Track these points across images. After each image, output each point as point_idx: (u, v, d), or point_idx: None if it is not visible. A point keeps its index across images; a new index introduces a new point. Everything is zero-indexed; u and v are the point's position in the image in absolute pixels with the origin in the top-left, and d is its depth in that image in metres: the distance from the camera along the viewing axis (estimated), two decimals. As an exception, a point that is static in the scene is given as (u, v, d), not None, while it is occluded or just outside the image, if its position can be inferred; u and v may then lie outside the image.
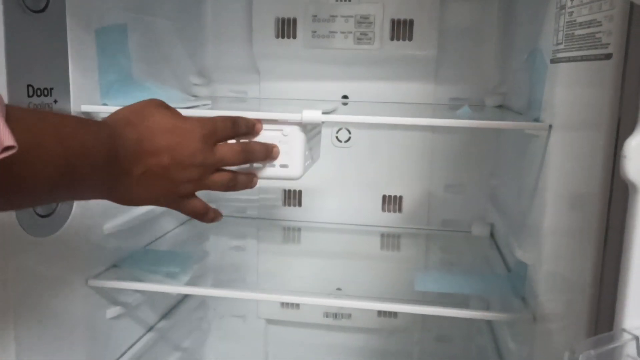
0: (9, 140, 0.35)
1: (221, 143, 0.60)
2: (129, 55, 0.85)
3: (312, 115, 0.68)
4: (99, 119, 0.61)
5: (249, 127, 0.66)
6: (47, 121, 0.44)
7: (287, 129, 0.68)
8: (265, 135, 0.68)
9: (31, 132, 0.41)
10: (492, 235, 1.08)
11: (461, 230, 1.12)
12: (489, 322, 1.02)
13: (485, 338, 1.00)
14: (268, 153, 0.66)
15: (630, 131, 0.39)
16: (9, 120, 0.38)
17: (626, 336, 0.39)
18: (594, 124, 0.52)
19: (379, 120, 0.76)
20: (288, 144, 0.68)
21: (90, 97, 0.76)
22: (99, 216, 0.79)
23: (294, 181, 0.73)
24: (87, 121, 0.50)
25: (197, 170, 0.57)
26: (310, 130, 0.72)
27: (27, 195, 0.44)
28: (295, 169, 0.69)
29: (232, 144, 0.61)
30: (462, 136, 1.09)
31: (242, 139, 0.64)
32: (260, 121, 0.67)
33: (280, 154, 0.68)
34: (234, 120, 0.63)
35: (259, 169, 0.68)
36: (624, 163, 0.38)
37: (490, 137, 1.07)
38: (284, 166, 0.68)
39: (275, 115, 0.70)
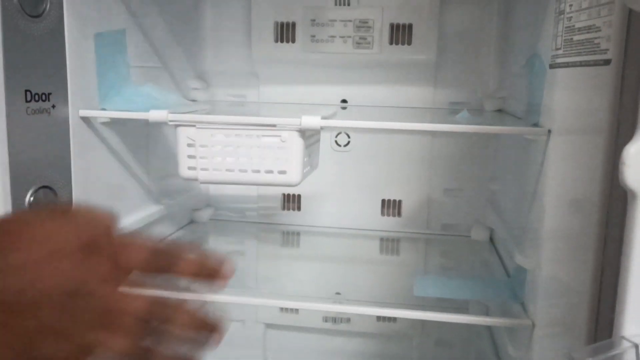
0: None
1: None
2: (127, 59, 0.85)
3: (311, 120, 0.68)
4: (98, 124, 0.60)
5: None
6: None
7: (285, 134, 0.68)
8: (264, 142, 0.68)
9: None
10: (491, 239, 1.08)
11: (460, 234, 1.12)
12: (488, 328, 1.02)
13: (484, 343, 1.00)
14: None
15: (629, 137, 0.39)
16: None
17: (625, 344, 0.38)
18: (592, 130, 0.52)
19: (377, 125, 0.76)
20: (286, 149, 0.68)
21: (88, 102, 0.76)
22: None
23: (293, 187, 0.73)
24: None
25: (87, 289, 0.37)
26: (310, 137, 0.72)
27: None
28: (293, 175, 0.69)
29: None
30: (462, 141, 1.09)
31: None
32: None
33: (279, 160, 0.68)
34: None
35: (255, 175, 0.68)
36: (623, 170, 0.38)
37: (489, 142, 1.07)
38: (282, 172, 0.67)
39: (274, 120, 0.69)
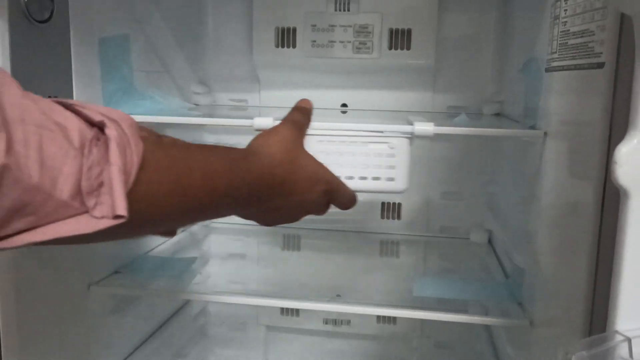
0: (121, 209, 0.35)
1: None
2: (131, 64, 0.86)
3: (424, 127, 0.67)
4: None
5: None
6: (193, 160, 0.45)
7: (394, 141, 0.67)
8: (371, 148, 0.67)
9: (179, 176, 0.42)
10: (490, 241, 1.09)
11: (460, 237, 1.13)
12: (487, 329, 1.03)
13: (483, 344, 1.01)
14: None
15: (622, 138, 0.40)
16: (150, 163, 0.38)
17: (619, 337, 0.39)
18: (587, 131, 0.53)
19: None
20: (395, 156, 0.67)
21: (93, 106, 0.77)
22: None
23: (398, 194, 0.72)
24: (234, 158, 0.50)
25: (314, 209, 0.61)
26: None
27: (163, 224, 0.45)
28: (400, 182, 0.68)
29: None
30: (460, 144, 1.10)
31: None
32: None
33: (387, 167, 0.67)
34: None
35: (362, 182, 0.67)
36: (614, 169, 0.39)
37: (488, 145, 1.09)
38: (389, 179, 0.66)
39: (384, 127, 0.68)
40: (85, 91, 0.74)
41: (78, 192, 0.34)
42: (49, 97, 0.66)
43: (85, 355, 0.79)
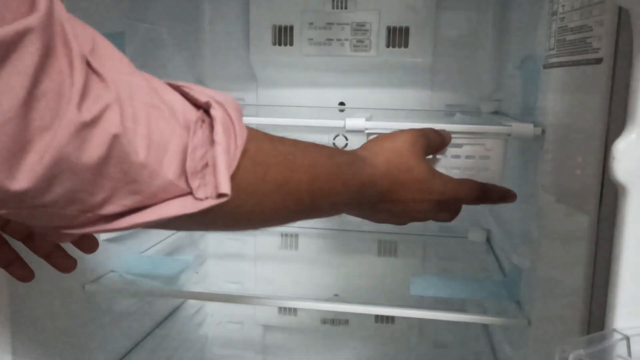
0: (224, 186, 0.34)
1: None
2: (126, 62, 0.85)
3: (523, 127, 0.65)
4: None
5: (445, 142, 0.63)
6: (300, 158, 0.44)
7: (489, 142, 0.66)
8: (466, 150, 0.65)
9: (283, 173, 0.41)
10: (488, 240, 1.09)
11: (458, 235, 1.12)
12: (486, 328, 1.02)
13: (482, 344, 1.01)
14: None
15: (619, 134, 0.39)
16: (254, 153, 0.37)
17: (617, 336, 0.39)
18: (585, 128, 0.53)
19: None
20: (490, 159, 0.65)
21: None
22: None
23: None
24: (340, 163, 0.49)
25: (425, 216, 0.59)
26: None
27: (267, 223, 0.45)
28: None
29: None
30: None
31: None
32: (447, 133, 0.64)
33: (479, 170, 0.65)
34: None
35: None
36: (612, 164, 0.38)
37: (486, 143, 1.08)
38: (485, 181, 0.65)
39: (481, 128, 0.67)
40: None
41: (183, 172, 0.33)
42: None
43: (81, 355, 0.79)
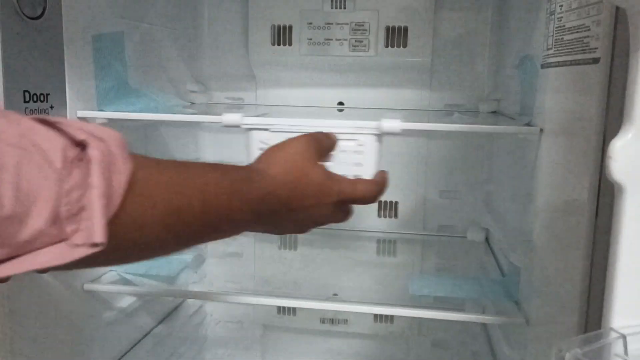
0: (98, 236, 0.33)
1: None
2: (125, 62, 0.85)
3: (391, 124, 0.66)
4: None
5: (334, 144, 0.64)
6: (190, 181, 0.43)
7: (362, 138, 0.66)
8: (339, 145, 0.65)
9: (173, 200, 0.40)
10: (487, 240, 1.09)
11: (457, 235, 1.12)
12: (484, 327, 1.02)
13: (480, 343, 1.01)
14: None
15: (616, 133, 0.39)
16: (140, 185, 0.36)
17: (613, 335, 0.39)
18: (582, 127, 0.53)
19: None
20: (362, 154, 0.66)
21: (86, 104, 0.76)
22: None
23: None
24: (236, 179, 0.48)
25: (326, 220, 0.59)
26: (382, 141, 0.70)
27: (161, 252, 0.44)
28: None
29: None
30: (457, 142, 1.10)
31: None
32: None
33: (353, 165, 0.66)
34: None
35: None
36: (609, 164, 0.38)
37: (484, 143, 1.08)
38: (356, 177, 0.66)
39: (351, 123, 0.68)
40: (78, 89, 0.74)
41: (57, 218, 0.32)
42: (41, 94, 0.66)
43: (80, 355, 0.79)
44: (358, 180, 0.60)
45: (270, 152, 0.56)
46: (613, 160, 0.38)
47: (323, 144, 0.60)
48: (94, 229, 0.33)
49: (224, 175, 0.47)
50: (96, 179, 0.34)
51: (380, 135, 0.67)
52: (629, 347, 0.38)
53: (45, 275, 0.71)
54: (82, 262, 0.33)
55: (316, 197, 0.55)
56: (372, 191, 0.60)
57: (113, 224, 0.35)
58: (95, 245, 0.33)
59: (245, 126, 0.71)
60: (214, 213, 0.44)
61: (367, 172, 0.66)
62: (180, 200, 0.41)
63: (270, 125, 0.70)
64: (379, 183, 0.61)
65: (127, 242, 0.37)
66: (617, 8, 0.46)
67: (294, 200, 0.53)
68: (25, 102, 0.64)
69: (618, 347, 0.39)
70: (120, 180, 0.35)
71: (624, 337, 0.39)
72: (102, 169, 0.34)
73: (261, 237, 1.17)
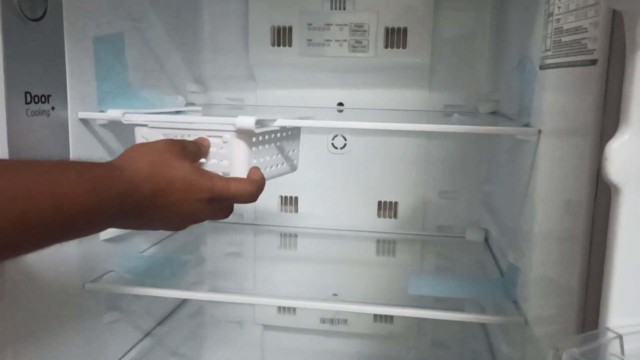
0: None
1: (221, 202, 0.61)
2: (126, 63, 0.86)
3: (245, 121, 0.65)
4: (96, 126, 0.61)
5: (202, 151, 0.66)
6: (40, 184, 0.42)
7: (227, 135, 0.66)
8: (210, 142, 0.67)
9: (20, 207, 0.39)
10: (486, 240, 1.09)
11: (456, 235, 1.13)
12: (484, 328, 1.03)
13: (480, 343, 1.01)
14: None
15: (613, 134, 0.40)
16: None
17: (610, 334, 0.39)
18: (580, 129, 0.53)
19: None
20: (229, 150, 0.66)
21: (87, 104, 0.77)
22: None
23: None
24: (95, 177, 0.48)
25: (201, 217, 0.60)
26: (263, 136, 0.70)
27: (8, 254, 0.44)
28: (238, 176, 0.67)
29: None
30: (456, 143, 1.10)
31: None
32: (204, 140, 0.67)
33: (222, 161, 0.67)
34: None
35: None
36: (605, 165, 0.39)
37: (483, 144, 1.09)
38: (225, 174, 0.65)
39: (211, 119, 0.69)
40: (79, 90, 0.74)
41: None
42: (42, 95, 0.67)
43: (80, 355, 0.79)
44: (232, 178, 0.61)
45: (134, 148, 0.57)
46: (609, 161, 0.39)
47: (188, 148, 0.61)
48: None
49: (80, 176, 0.46)
50: None
51: (244, 132, 0.66)
52: (626, 347, 0.39)
53: (45, 275, 0.71)
54: None
55: (184, 191, 0.56)
56: (247, 189, 0.61)
57: None
58: None
59: (127, 122, 0.73)
60: (68, 215, 0.44)
61: (237, 169, 0.66)
62: (28, 207, 0.40)
63: (148, 122, 0.71)
64: (254, 182, 0.63)
65: None
66: (615, 10, 0.47)
67: (159, 194, 0.53)
68: (26, 103, 0.65)
69: (614, 347, 0.39)
70: None
71: (620, 336, 0.39)
72: None
73: (261, 237, 1.18)
